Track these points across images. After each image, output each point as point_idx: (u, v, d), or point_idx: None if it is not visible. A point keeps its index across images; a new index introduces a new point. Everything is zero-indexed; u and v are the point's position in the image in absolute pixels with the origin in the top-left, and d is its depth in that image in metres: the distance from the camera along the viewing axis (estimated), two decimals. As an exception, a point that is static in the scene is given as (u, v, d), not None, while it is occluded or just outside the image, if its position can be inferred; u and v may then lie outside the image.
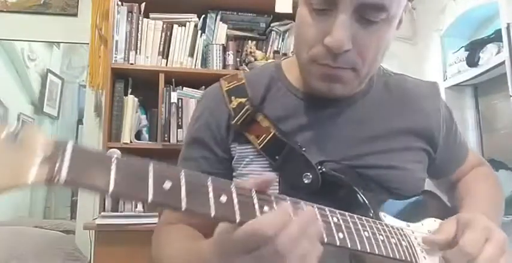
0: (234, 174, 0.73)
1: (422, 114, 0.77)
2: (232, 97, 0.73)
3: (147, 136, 2.16)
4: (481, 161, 0.89)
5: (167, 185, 0.41)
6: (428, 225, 0.68)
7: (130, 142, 2.04)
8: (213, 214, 0.43)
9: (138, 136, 2.12)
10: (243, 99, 0.72)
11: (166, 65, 2.17)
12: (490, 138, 2.38)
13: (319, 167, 0.66)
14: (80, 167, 0.37)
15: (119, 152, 1.91)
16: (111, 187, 0.38)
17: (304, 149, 0.68)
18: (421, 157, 0.76)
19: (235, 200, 0.45)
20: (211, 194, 0.44)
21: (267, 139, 0.69)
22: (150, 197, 0.40)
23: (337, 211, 0.55)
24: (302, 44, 0.65)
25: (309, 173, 0.65)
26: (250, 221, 0.44)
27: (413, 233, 0.64)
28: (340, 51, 0.61)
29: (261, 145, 0.69)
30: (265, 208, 0.47)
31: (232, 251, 0.45)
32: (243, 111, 0.70)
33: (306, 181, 0.65)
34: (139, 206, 1.82)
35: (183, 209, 0.41)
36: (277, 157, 0.68)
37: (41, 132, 0.37)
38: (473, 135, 2.45)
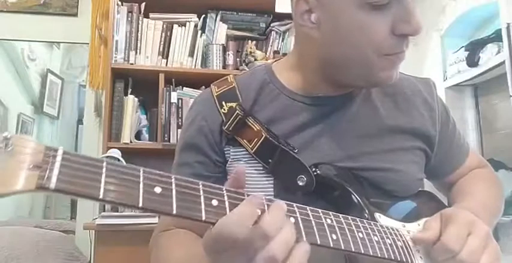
0: (228, 177, 0.72)
1: (417, 112, 0.76)
2: (223, 102, 0.73)
3: (147, 135, 2.16)
4: (481, 163, 0.88)
5: (157, 190, 0.42)
6: None
7: (131, 142, 2.04)
8: (204, 217, 0.43)
9: (138, 136, 2.12)
10: (234, 104, 0.72)
11: (166, 65, 2.17)
12: (490, 138, 2.38)
13: (313, 169, 0.66)
14: (70, 173, 0.37)
15: (119, 152, 1.92)
16: (101, 194, 0.38)
17: (296, 150, 0.67)
18: (417, 157, 0.75)
19: (227, 204, 0.45)
20: (202, 199, 0.44)
21: (259, 142, 0.68)
22: (140, 203, 0.40)
23: (330, 213, 0.54)
24: (368, 45, 0.62)
25: (303, 176, 0.65)
26: (219, 220, 0.44)
27: (409, 233, 0.64)
28: (419, 33, 0.62)
29: (254, 149, 0.69)
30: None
31: (212, 251, 0.46)
32: (233, 116, 0.70)
33: (300, 183, 0.65)
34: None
35: (174, 213, 0.42)
36: (270, 160, 0.68)
37: (31, 139, 0.37)
38: (473, 135, 2.44)
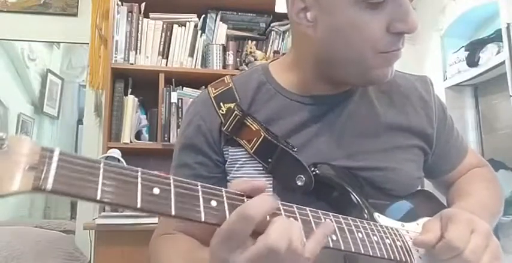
0: (227, 177, 0.73)
1: (413, 110, 0.76)
2: (221, 103, 0.73)
3: (147, 136, 2.16)
4: (481, 163, 0.87)
5: (156, 191, 0.41)
6: None
7: (131, 141, 2.04)
8: (203, 218, 0.43)
9: (138, 136, 2.12)
10: (232, 104, 0.71)
11: (166, 65, 2.17)
12: (490, 138, 2.38)
13: (312, 169, 0.66)
14: (66, 175, 0.37)
15: (118, 152, 1.92)
16: (98, 195, 0.38)
17: (296, 149, 0.67)
18: (415, 155, 0.75)
19: (226, 205, 0.45)
20: (201, 200, 0.44)
21: (258, 142, 0.68)
22: (139, 204, 0.40)
23: (330, 213, 0.54)
24: (363, 42, 0.62)
25: (302, 175, 0.65)
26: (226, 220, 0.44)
27: (408, 232, 0.64)
28: (415, 31, 0.62)
29: (253, 149, 0.69)
30: None
31: (220, 253, 0.45)
32: (232, 116, 0.70)
33: (299, 183, 0.65)
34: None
35: (172, 214, 0.41)
36: (269, 160, 0.68)
37: (28, 139, 0.37)
38: (473, 135, 2.44)
